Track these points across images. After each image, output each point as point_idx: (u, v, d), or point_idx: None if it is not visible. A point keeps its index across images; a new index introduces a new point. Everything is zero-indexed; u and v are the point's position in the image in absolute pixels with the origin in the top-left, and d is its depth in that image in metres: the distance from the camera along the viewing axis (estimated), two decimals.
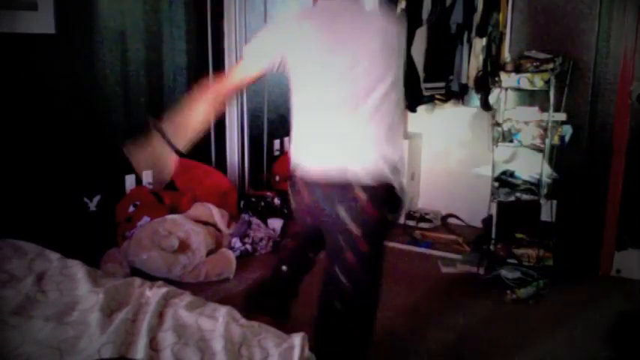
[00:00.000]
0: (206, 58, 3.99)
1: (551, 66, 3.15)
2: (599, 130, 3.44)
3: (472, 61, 3.64)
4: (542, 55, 3.27)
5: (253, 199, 3.92)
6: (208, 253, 3.30)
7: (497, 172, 3.35)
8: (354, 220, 1.81)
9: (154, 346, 1.66)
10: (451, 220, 4.29)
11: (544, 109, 3.24)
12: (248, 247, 3.55)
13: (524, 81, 3.17)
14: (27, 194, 3.00)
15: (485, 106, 3.61)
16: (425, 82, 3.78)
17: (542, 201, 3.21)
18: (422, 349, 2.59)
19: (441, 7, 3.51)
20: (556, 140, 3.25)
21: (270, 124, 4.50)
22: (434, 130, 4.36)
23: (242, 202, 3.91)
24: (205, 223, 3.50)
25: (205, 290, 3.03)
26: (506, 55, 3.47)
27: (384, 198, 1.84)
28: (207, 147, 4.10)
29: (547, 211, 3.38)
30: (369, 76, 1.82)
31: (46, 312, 1.80)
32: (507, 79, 3.22)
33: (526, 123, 3.29)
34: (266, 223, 3.78)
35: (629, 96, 3.30)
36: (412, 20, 3.48)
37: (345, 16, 1.86)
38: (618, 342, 2.63)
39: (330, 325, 1.97)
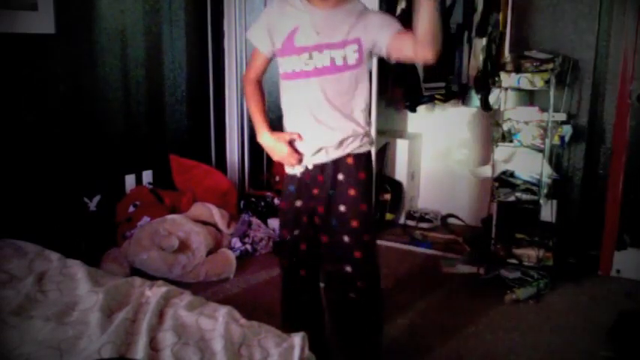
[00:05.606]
0: (206, 58, 3.99)
1: (551, 66, 3.14)
2: (599, 130, 3.44)
3: (472, 61, 3.64)
4: (542, 55, 3.26)
5: (253, 199, 3.92)
6: (208, 253, 3.30)
7: (498, 172, 3.35)
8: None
9: (154, 345, 1.66)
10: (451, 220, 4.29)
11: (544, 109, 3.23)
12: (248, 247, 3.55)
13: (524, 81, 3.16)
14: (27, 194, 3.00)
15: (485, 106, 3.61)
16: (425, 82, 3.78)
17: (542, 201, 3.21)
18: (422, 349, 2.59)
19: (441, 8, 3.50)
20: (556, 140, 3.24)
21: (270, 124, 4.48)
22: (434, 130, 4.36)
23: (242, 202, 3.91)
24: (205, 223, 3.50)
25: (205, 290, 3.03)
26: (506, 55, 3.47)
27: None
28: (207, 147, 4.10)
29: (547, 211, 3.37)
30: None
31: (46, 312, 1.80)
32: (507, 79, 3.21)
33: (526, 123, 3.28)
34: (266, 223, 3.78)
35: (629, 96, 3.29)
36: (412, 21, 3.47)
37: None
38: (618, 342, 2.63)
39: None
